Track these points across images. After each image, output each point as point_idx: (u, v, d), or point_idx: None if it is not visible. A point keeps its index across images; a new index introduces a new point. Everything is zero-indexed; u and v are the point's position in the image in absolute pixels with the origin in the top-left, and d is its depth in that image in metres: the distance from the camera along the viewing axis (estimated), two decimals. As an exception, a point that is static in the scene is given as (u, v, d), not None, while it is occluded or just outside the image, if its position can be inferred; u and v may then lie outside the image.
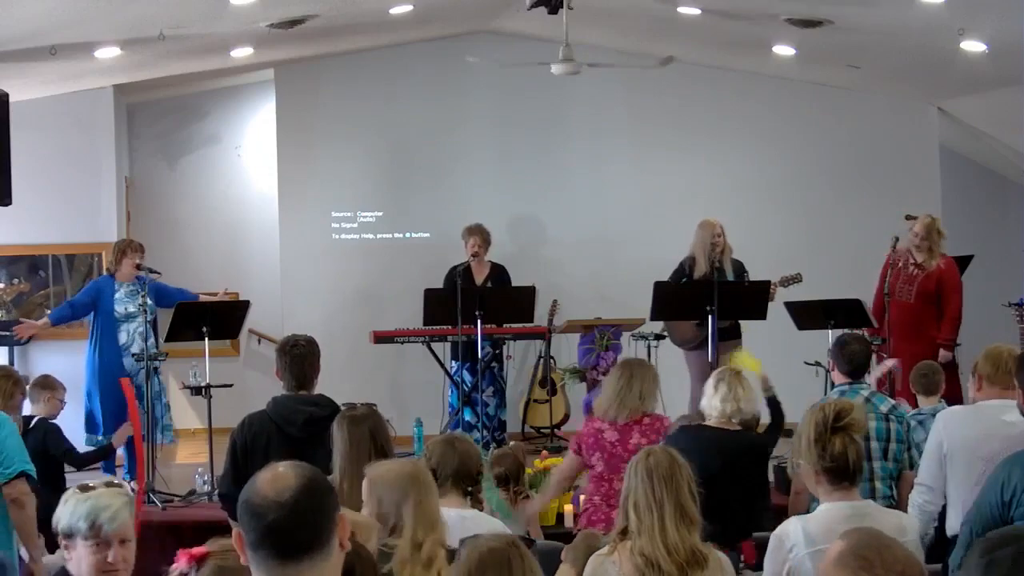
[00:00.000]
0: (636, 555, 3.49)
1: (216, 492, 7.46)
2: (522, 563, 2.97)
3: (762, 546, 5.27)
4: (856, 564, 2.33)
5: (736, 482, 5.20)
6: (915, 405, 6.52)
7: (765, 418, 6.28)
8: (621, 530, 3.61)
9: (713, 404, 5.40)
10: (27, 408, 7.14)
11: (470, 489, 4.13)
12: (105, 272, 8.57)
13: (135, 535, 3.33)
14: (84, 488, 3.29)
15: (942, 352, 8.02)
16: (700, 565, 3.50)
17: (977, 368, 5.03)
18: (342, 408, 4.79)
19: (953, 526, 4.79)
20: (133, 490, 7.46)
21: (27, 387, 7.06)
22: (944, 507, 4.93)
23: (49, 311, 9.55)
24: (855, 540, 2.40)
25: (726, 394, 5.37)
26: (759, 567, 4.80)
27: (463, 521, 3.96)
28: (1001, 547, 1.89)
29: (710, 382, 5.52)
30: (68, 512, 3.24)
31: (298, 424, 5.03)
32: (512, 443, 7.84)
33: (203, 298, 8.41)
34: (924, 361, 6.74)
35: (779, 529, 3.63)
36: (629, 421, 5.69)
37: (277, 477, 2.16)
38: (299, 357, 5.18)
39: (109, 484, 3.35)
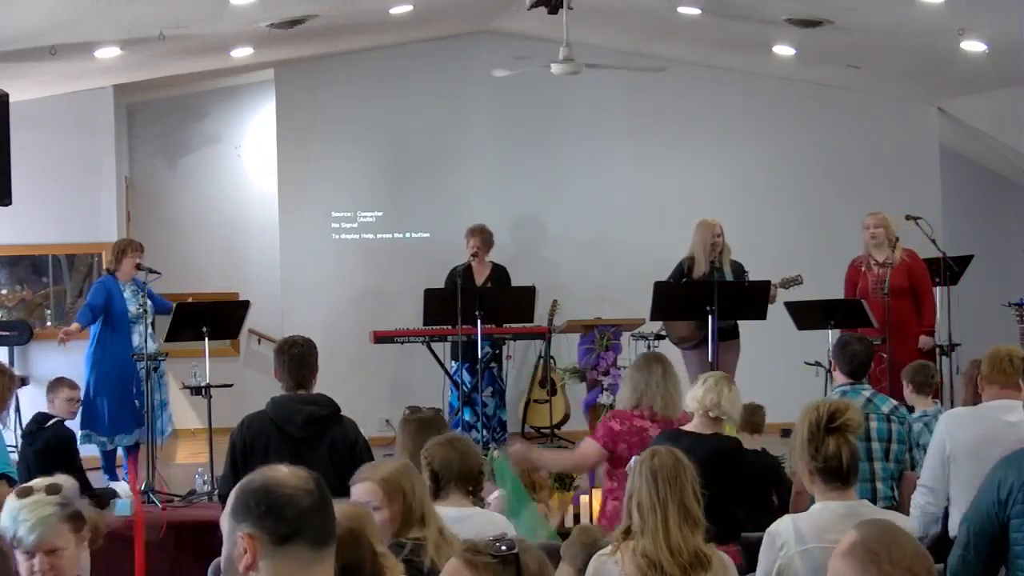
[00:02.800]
0: (639, 556, 3.49)
1: (216, 492, 7.48)
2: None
3: (749, 547, 5.29)
4: (865, 557, 2.35)
5: (713, 486, 5.16)
6: (901, 400, 6.49)
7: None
8: (624, 530, 3.61)
9: (693, 399, 5.25)
10: (27, 407, 7.18)
11: (471, 488, 4.15)
12: (105, 272, 8.54)
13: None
14: (21, 493, 3.16)
15: (923, 338, 8.08)
16: (703, 567, 3.51)
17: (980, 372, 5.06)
18: (405, 410, 4.91)
19: (956, 527, 4.80)
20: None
21: (46, 387, 7.11)
22: (947, 508, 4.94)
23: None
24: (866, 533, 2.42)
25: (708, 390, 5.21)
26: (747, 569, 4.80)
27: (464, 520, 3.97)
28: None
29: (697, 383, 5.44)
30: (1, 517, 3.13)
31: (298, 424, 5.02)
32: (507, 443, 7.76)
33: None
34: (922, 361, 6.74)
35: (771, 527, 3.63)
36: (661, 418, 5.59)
37: (290, 471, 2.19)
38: (297, 357, 5.18)
39: (49, 489, 3.16)
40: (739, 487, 5.19)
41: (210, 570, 4.48)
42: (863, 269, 8.34)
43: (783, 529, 3.58)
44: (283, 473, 2.18)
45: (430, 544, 3.43)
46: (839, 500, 3.61)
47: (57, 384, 7.08)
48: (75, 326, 8.11)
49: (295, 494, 2.12)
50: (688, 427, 5.25)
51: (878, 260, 8.28)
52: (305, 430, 5.01)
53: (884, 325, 8.14)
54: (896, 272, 8.19)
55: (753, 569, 4.47)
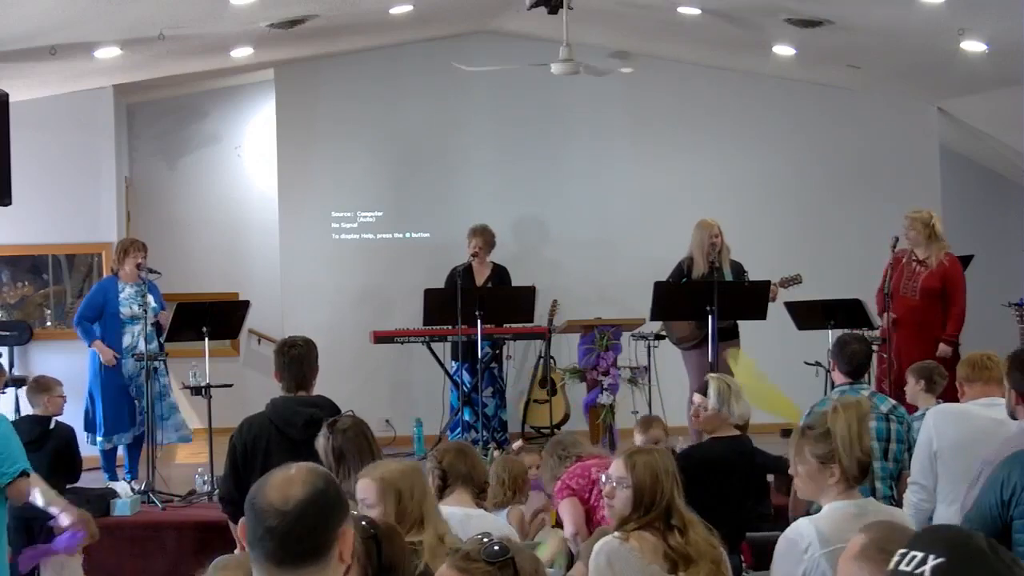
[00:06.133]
0: (682, 546, 3.56)
1: (216, 493, 7.48)
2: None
3: (758, 546, 5.30)
4: (879, 557, 2.35)
5: (743, 486, 5.24)
6: (901, 395, 6.47)
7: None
8: (647, 521, 3.64)
9: (732, 411, 5.37)
10: (28, 408, 7.17)
11: (478, 492, 4.19)
12: (109, 272, 8.53)
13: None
14: None
15: (942, 346, 7.96)
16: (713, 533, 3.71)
17: (957, 379, 5.08)
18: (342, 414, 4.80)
19: (942, 520, 4.81)
20: (134, 490, 7.53)
21: (26, 389, 7.08)
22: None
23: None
24: (876, 534, 2.43)
25: (734, 401, 5.36)
26: (757, 567, 4.81)
27: (469, 520, 4.00)
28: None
29: (713, 394, 5.46)
30: None
31: (298, 426, 5.00)
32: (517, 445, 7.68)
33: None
34: (931, 361, 6.70)
35: (790, 531, 3.58)
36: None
37: (286, 482, 2.15)
38: (297, 358, 5.17)
39: None
40: (756, 482, 5.38)
41: (210, 569, 4.47)
42: (904, 261, 8.19)
43: (805, 532, 3.53)
44: (275, 483, 2.16)
45: (426, 549, 3.36)
46: (850, 499, 3.59)
47: (47, 384, 6.96)
48: (97, 342, 8.09)
49: (266, 510, 2.12)
50: (718, 434, 5.36)
51: (918, 258, 8.17)
52: (306, 432, 4.98)
53: (885, 325, 8.14)
54: (931, 274, 8.06)
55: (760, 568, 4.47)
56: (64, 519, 5.40)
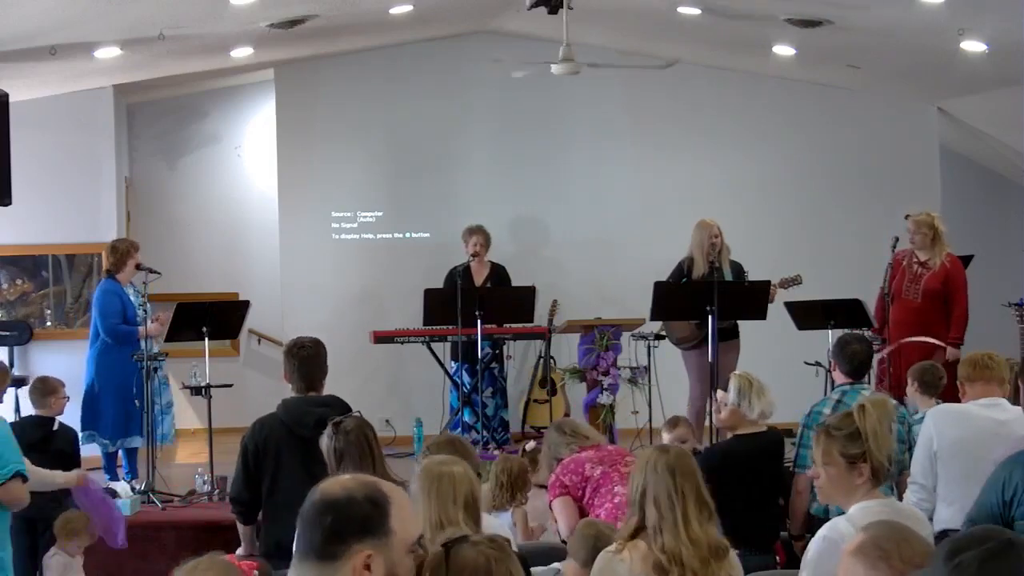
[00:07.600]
0: (656, 552, 3.47)
1: (216, 492, 7.49)
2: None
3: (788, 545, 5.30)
4: (875, 555, 2.40)
5: (771, 484, 5.25)
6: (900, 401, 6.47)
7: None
8: (634, 529, 3.58)
9: (752, 407, 5.36)
10: (28, 408, 7.16)
11: None
12: (105, 275, 8.42)
13: None
14: None
15: (950, 350, 7.86)
16: (721, 556, 3.52)
17: (958, 379, 5.08)
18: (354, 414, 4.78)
19: (942, 521, 4.82)
20: (134, 489, 7.52)
21: (30, 390, 7.07)
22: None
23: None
24: (876, 532, 2.47)
25: (755, 397, 5.36)
26: (788, 565, 4.78)
27: None
28: (966, 550, 1.91)
29: (732, 390, 5.44)
30: None
31: (309, 426, 4.98)
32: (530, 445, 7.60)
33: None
34: (929, 361, 6.69)
35: (828, 531, 3.50)
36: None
37: (338, 480, 2.25)
38: (307, 359, 5.19)
39: None
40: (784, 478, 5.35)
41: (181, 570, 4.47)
42: (904, 263, 8.20)
43: (846, 532, 3.45)
44: (336, 478, 2.28)
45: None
46: (875, 499, 3.58)
47: (52, 386, 6.90)
48: (146, 329, 7.94)
49: (312, 494, 2.23)
50: (741, 431, 5.39)
51: (920, 260, 8.14)
52: (316, 432, 4.97)
53: (883, 325, 8.13)
54: (933, 276, 8.03)
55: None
56: (68, 481, 5.50)
